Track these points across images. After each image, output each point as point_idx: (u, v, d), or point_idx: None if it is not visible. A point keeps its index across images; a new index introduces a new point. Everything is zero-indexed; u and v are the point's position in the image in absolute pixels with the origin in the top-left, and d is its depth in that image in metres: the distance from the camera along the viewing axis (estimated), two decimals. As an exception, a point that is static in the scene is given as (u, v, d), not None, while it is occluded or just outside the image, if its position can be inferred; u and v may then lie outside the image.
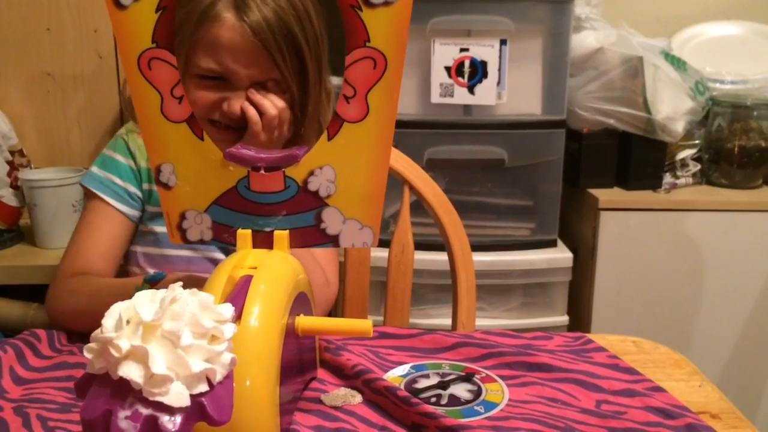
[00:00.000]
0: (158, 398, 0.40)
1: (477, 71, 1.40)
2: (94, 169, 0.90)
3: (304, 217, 0.63)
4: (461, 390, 0.66)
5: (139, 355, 0.40)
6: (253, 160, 0.62)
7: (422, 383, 0.67)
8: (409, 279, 1.05)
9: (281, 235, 0.62)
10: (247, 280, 0.55)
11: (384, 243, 1.07)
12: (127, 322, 0.41)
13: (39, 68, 1.41)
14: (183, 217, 0.65)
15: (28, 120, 1.42)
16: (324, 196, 0.63)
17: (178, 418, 0.40)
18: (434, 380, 0.68)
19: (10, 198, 1.32)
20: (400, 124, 1.44)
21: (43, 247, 1.31)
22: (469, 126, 1.44)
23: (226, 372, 0.43)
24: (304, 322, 0.58)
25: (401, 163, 1.03)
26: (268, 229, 0.63)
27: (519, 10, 1.39)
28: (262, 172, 0.62)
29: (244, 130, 0.84)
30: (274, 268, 0.58)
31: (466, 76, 1.40)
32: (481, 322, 1.45)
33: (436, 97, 1.41)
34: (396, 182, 1.04)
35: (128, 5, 0.58)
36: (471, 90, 1.41)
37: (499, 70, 1.40)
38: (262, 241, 0.62)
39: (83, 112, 1.43)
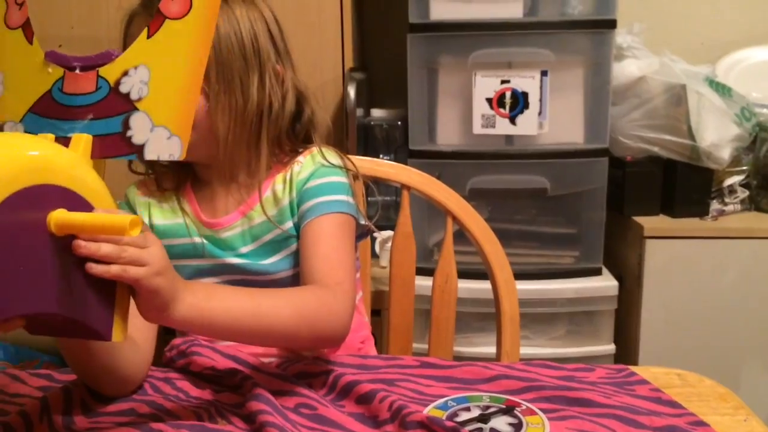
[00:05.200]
0: None
1: (518, 102, 1.42)
2: None
3: (110, 123, 0.60)
4: (502, 423, 0.67)
5: None
6: (69, 59, 0.61)
7: (463, 416, 0.69)
8: (453, 308, 1.06)
9: (79, 138, 0.58)
10: None
11: (428, 272, 1.09)
12: None
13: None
14: (0, 129, 0.62)
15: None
16: (135, 99, 0.60)
17: None
18: (475, 413, 0.69)
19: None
20: (443, 155, 1.48)
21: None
22: (511, 156, 1.45)
23: None
24: (58, 215, 0.52)
25: (443, 193, 1.05)
26: (71, 135, 0.59)
27: (559, 41, 1.41)
28: (78, 71, 0.60)
29: None
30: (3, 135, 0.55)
31: (507, 107, 1.42)
32: (526, 350, 1.45)
33: (478, 128, 1.44)
34: (439, 212, 1.07)
35: None
36: (512, 120, 1.43)
37: (540, 100, 1.42)
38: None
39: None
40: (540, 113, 1.43)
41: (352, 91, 1.42)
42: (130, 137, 0.60)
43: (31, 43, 0.61)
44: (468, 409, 0.70)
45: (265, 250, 0.85)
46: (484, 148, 1.45)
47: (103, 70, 0.60)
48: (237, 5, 0.82)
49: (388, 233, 1.32)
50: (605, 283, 1.49)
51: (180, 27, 0.60)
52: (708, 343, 1.50)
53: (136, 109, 0.60)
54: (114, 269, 0.56)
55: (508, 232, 1.48)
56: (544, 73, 1.41)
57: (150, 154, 0.60)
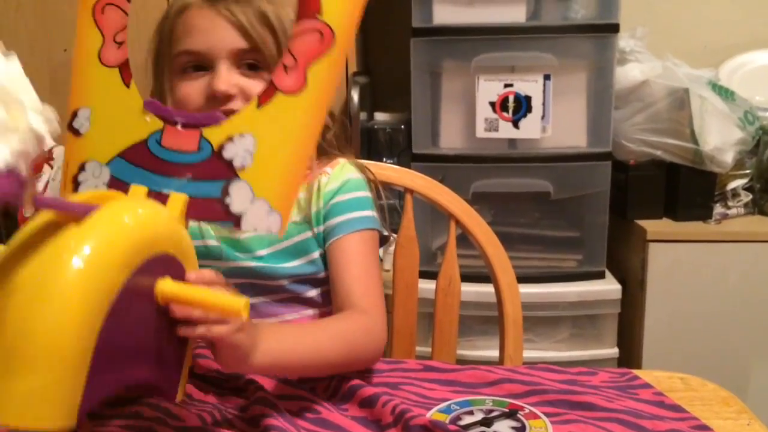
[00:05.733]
0: None
1: (521, 106, 1.42)
2: None
3: (209, 187, 0.58)
4: (505, 427, 0.68)
5: None
6: (171, 113, 0.59)
7: (466, 420, 0.69)
8: (456, 311, 1.07)
9: (177, 198, 0.57)
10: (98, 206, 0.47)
11: (431, 275, 1.09)
12: None
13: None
14: (82, 168, 0.60)
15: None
16: (237, 167, 0.58)
17: None
18: (478, 417, 0.69)
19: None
20: (446, 159, 1.49)
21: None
22: (514, 159, 1.46)
23: (12, 160, 0.40)
24: (167, 285, 0.51)
25: (446, 197, 1.05)
26: (166, 191, 0.57)
27: (562, 45, 1.42)
28: (179, 127, 0.58)
29: None
30: (138, 204, 0.50)
31: (510, 110, 1.42)
32: (530, 353, 1.45)
33: (481, 132, 1.44)
34: (442, 216, 1.07)
35: None
36: (515, 124, 1.43)
37: (543, 104, 1.42)
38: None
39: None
40: (543, 117, 1.43)
41: (355, 95, 1.42)
42: (228, 204, 0.57)
43: (128, 86, 0.60)
44: (471, 413, 0.70)
45: (284, 254, 0.85)
46: (487, 152, 1.46)
47: (207, 131, 0.58)
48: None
49: (392, 236, 1.32)
50: (608, 287, 1.50)
51: (293, 102, 0.58)
52: (712, 346, 1.50)
53: (237, 177, 0.57)
54: (200, 330, 0.55)
55: (511, 235, 1.48)
56: (547, 77, 1.41)
57: (247, 226, 0.57)
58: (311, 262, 0.86)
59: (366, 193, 0.87)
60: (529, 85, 1.41)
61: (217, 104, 0.79)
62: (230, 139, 0.58)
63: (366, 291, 0.81)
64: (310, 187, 0.86)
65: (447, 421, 0.68)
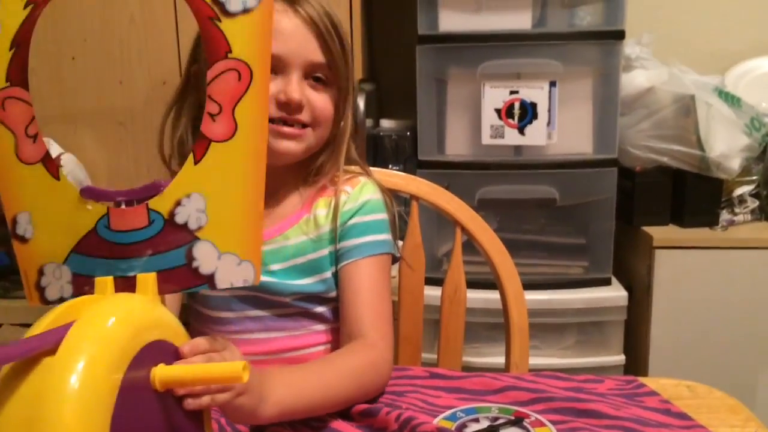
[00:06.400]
0: None
1: (527, 112, 1.42)
2: None
3: (173, 256, 0.56)
4: (511, 434, 0.68)
5: None
6: (111, 194, 0.56)
7: (472, 428, 0.69)
8: (462, 319, 1.07)
9: (145, 278, 0.54)
10: (64, 328, 0.45)
11: (437, 282, 1.10)
12: None
13: (112, 118, 1.50)
14: (41, 273, 0.58)
15: (102, 166, 1.52)
16: (194, 229, 0.56)
17: None
18: (484, 424, 0.69)
19: (84, 240, 1.41)
20: (452, 166, 1.49)
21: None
22: (520, 166, 1.46)
23: None
24: (162, 372, 0.49)
25: (453, 204, 1.06)
26: (131, 274, 0.55)
27: (568, 52, 1.42)
28: (123, 206, 0.56)
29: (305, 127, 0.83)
30: (106, 309, 0.48)
31: (516, 117, 1.43)
32: (535, 360, 1.44)
33: (486, 139, 1.44)
34: (448, 223, 1.07)
35: None
36: (521, 131, 1.43)
37: (549, 110, 1.42)
38: (127, 288, 0.54)
39: (153, 159, 1.51)
40: (549, 124, 1.43)
41: (361, 102, 1.43)
42: (196, 268, 0.56)
43: (57, 178, 0.57)
44: (477, 421, 0.70)
45: (296, 270, 0.85)
46: (493, 159, 1.46)
47: (153, 203, 0.56)
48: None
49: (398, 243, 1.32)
50: (615, 294, 1.49)
51: (229, 148, 0.56)
52: (719, 353, 1.49)
53: (197, 238, 0.56)
54: (205, 400, 0.54)
55: (517, 242, 1.48)
56: (552, 84, 1.41)
57: (222, 283, 0.56)
58: (323, 281, 0.85)
59: (383, 216, 0.87)
60: (535, 92, 1.41)
61: (289, 111, 0.81)
62: (178, 203, 0.56)
63: (375, 321, 0.81)
64: (329, 204, 0.86)
65: (453, 429, 0.68)
